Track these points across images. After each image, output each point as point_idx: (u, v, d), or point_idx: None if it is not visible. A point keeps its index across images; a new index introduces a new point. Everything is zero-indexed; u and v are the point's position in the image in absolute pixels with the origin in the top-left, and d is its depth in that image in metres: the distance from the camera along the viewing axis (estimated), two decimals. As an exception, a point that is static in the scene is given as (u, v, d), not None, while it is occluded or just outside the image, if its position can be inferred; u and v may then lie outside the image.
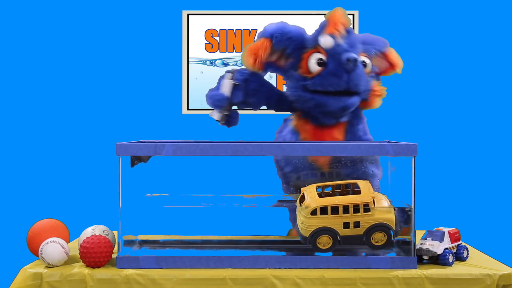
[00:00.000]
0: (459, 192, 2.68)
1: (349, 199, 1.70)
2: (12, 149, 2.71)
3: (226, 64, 2.78)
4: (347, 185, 1.80)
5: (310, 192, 1.74)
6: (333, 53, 1.88)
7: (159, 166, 1.80)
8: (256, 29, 2.75)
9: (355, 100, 1.93)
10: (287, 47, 1.95)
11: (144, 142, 1.85)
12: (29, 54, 2.73)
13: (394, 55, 2.07)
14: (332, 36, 1.87)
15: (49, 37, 2.73)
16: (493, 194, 2.70)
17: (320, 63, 1.90)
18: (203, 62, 2.79)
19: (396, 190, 1.77)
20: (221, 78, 1.99)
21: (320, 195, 1.73)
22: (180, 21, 2.76)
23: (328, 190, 1.79)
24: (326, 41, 1.88)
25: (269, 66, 1.98)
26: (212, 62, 2.79)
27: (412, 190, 1.67)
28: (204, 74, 2.79)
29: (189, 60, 2.79)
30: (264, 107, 2.05)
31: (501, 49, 2.75)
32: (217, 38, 2.79)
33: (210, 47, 2.79)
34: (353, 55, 1.86)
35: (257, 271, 1.65)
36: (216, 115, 1.97)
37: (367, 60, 1.98)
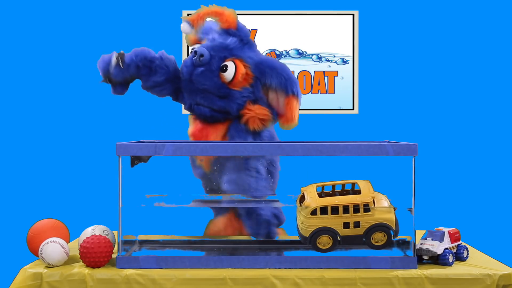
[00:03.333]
0: (459, 192, 2.68)
1: (349, 199, 1.70)
2: (12, 149, 2.71)
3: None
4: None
5: (310, 192, 1.74)
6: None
7: (159, 166, 1.80)
8: (256, 29, 2.75)
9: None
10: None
11: (144, 142, 1.85)
12: (29, 54, 2.72)
13: (293, 107, 1.83)
14: (188, 22, 1.89)
15: (49, 37, 2.73)
16: (493, 194, 2.70)
17: (191, 52, 1.87)
18: (203, 62, 2.78)
19: (396, 190, 1.77)
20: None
21: (320, 195, 1.73)
22: (180, 21, 2.75)
23: (328, 190, 1.79)
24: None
25: None
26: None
27: (412, 190, 1.67)
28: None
29: (189, 60, 2.77)
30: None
31: (501, 49, 2.75)
32: (217, 38, 2.78)
33: (210, 47, 2.78)
34: (203, 50, 1.80)
35: (257, 271, 1.65)
36: (113, 60, 1.88)
37: (230, 66, 1.83)
